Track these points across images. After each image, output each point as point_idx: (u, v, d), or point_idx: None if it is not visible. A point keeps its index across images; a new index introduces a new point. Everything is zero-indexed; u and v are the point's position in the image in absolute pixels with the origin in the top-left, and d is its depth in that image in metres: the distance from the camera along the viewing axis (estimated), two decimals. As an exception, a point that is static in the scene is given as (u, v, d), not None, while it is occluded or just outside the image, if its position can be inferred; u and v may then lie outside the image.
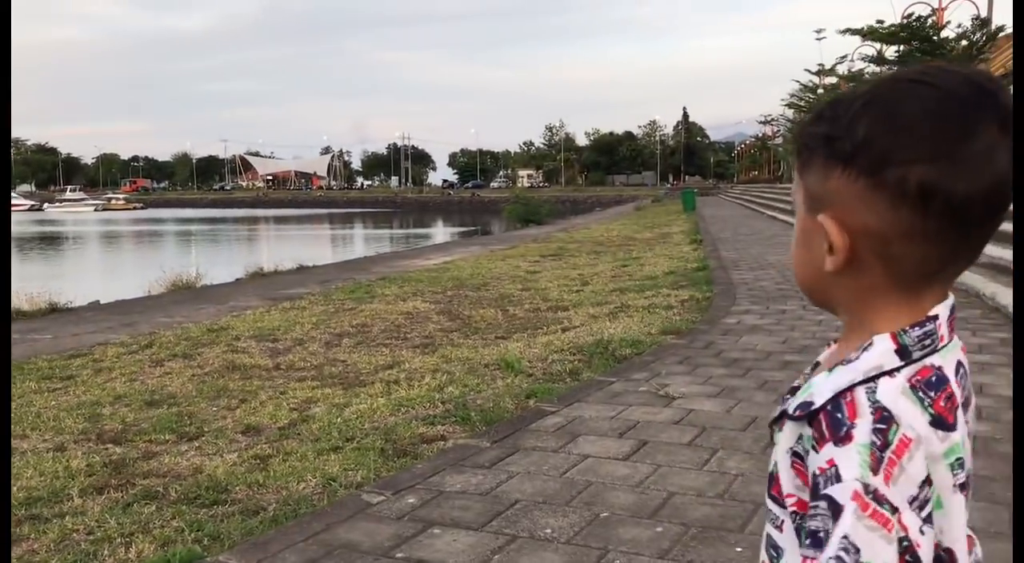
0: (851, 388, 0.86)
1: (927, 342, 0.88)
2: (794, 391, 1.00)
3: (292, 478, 4.00)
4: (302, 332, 8.21)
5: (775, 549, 0.98)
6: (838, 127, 0.87)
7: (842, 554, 0.80)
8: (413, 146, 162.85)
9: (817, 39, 49.92)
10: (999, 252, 9.98)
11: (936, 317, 0.89)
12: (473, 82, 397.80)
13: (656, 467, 3.84)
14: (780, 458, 0.93)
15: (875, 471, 0.81)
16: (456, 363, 6.45)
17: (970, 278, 9.24)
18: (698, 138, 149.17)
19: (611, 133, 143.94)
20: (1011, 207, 0.91)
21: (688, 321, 8.06)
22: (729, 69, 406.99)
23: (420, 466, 3.98)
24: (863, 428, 0.83)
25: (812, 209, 0.90)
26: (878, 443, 0.82)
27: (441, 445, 4.38)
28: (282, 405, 5.43)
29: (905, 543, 0.82)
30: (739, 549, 2.96)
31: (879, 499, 0.81)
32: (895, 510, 0.82)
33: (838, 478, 0.82)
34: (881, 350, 0.88)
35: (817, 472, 0.84)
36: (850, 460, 0.82)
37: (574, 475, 3.76)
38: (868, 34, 27.28)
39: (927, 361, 0.87)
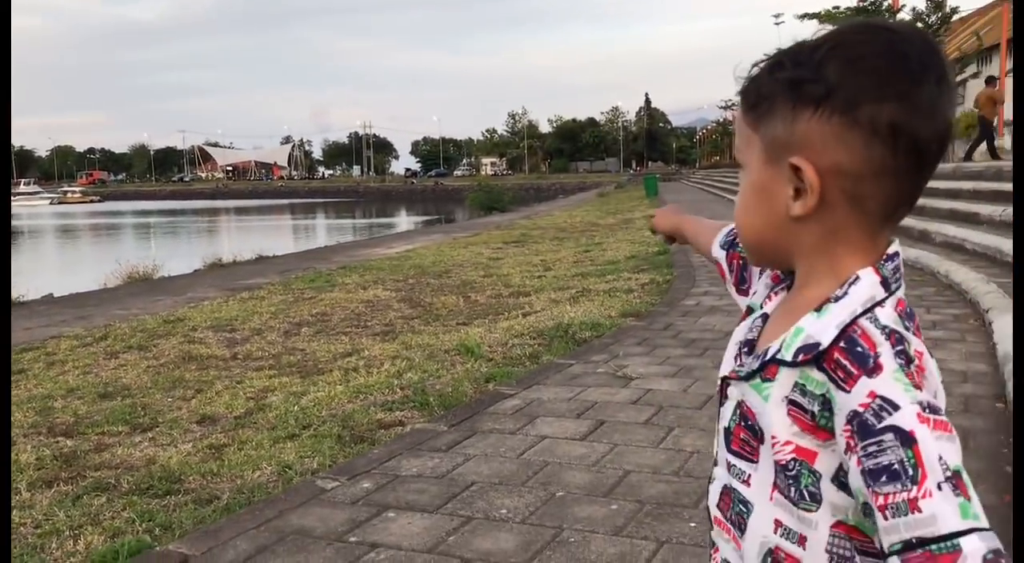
0: (854, 321, 0.88)
1: (897, 276, 0.93)
2: (750, 345, 1.02)
3: (247, 466, 3.96)
4: (260, 322, 8.12)
5: (744, 504, 0.98)
6: (805, 71, 0.89)
7: (945, 472, 0.81)
8: (375, 135, 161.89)
9: (776, 24, 50.62)
10: (953, 231, 10.14)
11: (898, 254, 0.94)
12: (435, 69, 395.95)
13: (613, 446, 3.84)
14: (772, 408, 0.93)
15: (919, 387, 0.84)
16: (416, 349, 6.42)
17: (925, 257, 9.39)
18: (660, 124, 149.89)
19: (574, 120, 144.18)
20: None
21: (648, 304, 8.09)
22: (690, 54, 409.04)
23: (376, 451, 3.95)
24: (887, 354, 0.85)
25: (775, 158, 0.92)
26: (904, 363, 0.85)
27: (399, 430, 4.35)
28: (238, 394, 5.36)
29: None
30: (693, 524, 2.97)
31: (934, 409, 0.84)
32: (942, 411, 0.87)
33: (894, 406, 0.83)
34: (870, 282, 0.91)
35: (859, 409, 0.84)
36: (894, 387, 0.84)
37: (531, 456, 3.75)
38: (825, 18, 27.53)
39: (898, 294, 0.92)
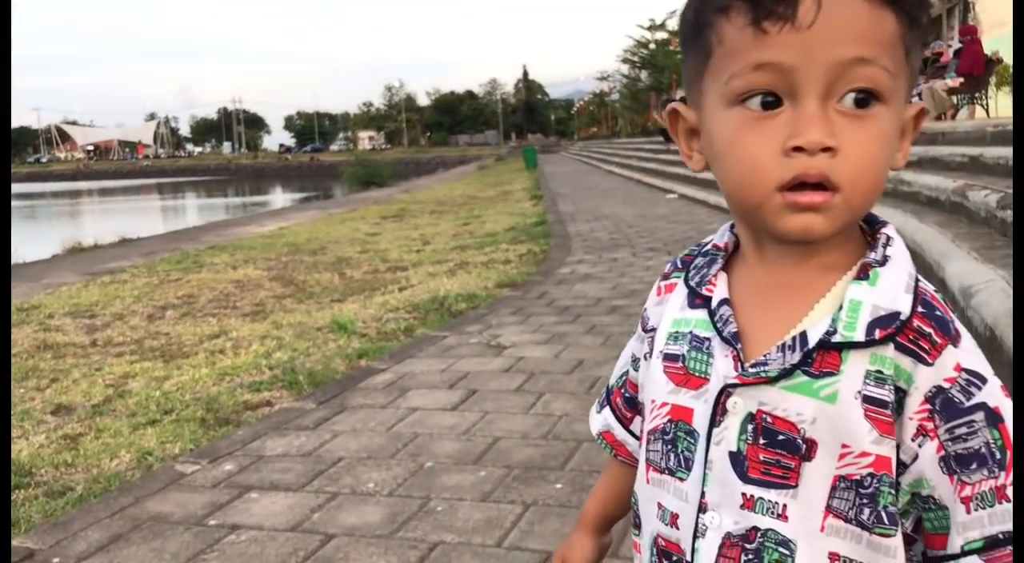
0: (918, 285, 0.76)
1: None
2: (735, 339, 0.80)
3: (104, 455, 3.78)
4: (122, 306, 7.77)
5: (783, 546, 0.76)
6: None
7: None
8: (245, 110, 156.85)
9: (648, -5, 51.62)
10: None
11: None
12: (306, 41, 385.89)
13: (483, 414, 3.85)
14: (843, 410, 0.74)
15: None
16: (287, 328, 6.26)
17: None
18: (538, 96, 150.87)
19: (452, 92, 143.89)
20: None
21: (524, 274, 8.15)
22: (566, 25, 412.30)
23: (240, 432, 3.84)
24: (957, 321, 0.75)
25: (908, 94, 0.76)
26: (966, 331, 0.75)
27: (266, 411, 4.24)
28: (97, 382, 5.12)
29: None
30: (559, 486, 3.01)
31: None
32: None
33: (982, 380, 0.72)
34: (901, 242, 0.79)
35: (945, 384, 0.71)
36: (978, 357, 0.73)
37: (401, 429, 3.72)
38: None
39: None
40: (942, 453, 0.72)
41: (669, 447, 0.84)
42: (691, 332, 0.84)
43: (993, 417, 0.71)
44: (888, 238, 0.77)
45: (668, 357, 0.85)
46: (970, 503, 0.71)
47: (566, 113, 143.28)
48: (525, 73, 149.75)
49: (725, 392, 0.79)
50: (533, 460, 3.26)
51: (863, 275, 0.75)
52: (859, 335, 0.73)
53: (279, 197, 46.10)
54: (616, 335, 5.25)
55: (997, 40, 16.60)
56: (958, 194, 6.90)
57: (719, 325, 0.81)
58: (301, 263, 10.12)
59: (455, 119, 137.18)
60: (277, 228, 15.29)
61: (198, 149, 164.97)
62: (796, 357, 0.75)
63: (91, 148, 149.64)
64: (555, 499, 2.90)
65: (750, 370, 0.77)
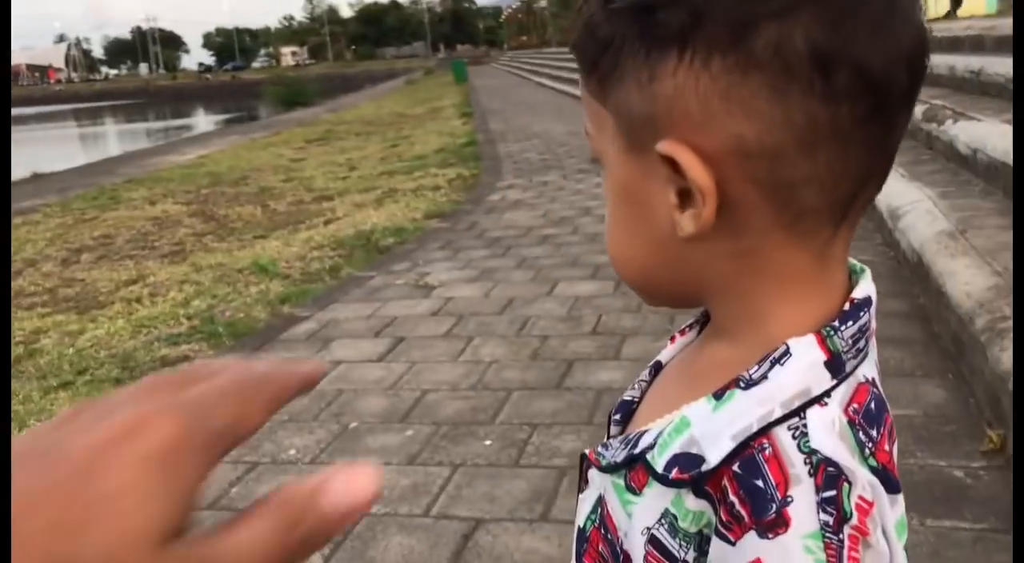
0: (765, 433, 0.52)
1: (861, 344, 0.55)
2: (628, 408, 0.67)
3: (12, 426, 3.59)
4: (35, 250, 7.41)
5: None
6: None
7: None
8: (161, 28, 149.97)
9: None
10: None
11: (869, 301, 0.56)
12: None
13: (411, 364, 3.74)
14: (634, 540, 0.58)
15: None
16: (206, 271, 6.02)
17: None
18: (465, 4, 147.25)
19: (376, 3, 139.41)
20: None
21: (454, 202, 7.97)
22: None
23: (156, 396, 3.67)
24: (804, 502, 0.50)
25: (638, 144, 0.54)
26: (831, 523, 0.49)
27: (183, 367, 4.06)
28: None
29: None
30: (488, 442, 2.93)
31: None
32: None
33: None
34: (807, 363, 0.53)
35: None
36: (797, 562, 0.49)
37: (324, 385, 3.58)
38: None
39: (859, 374, 0.55)
40: None
41: None
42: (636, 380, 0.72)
43: None
44: (786, 352, 0.54)
45: None
46: None
47: (495, 22, 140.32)
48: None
49: (586, 461, 0.65)
50: (462, 414, 3.17)
51: (721, 392, 0.55)
52: (660, 464, 0.56)
53: (202, 120, 44.49)
54: (546, 269, 5.15)
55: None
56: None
57: (633, 388, 0.69)
58: (222, 195, 9.76)
59: (381, 31, 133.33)
60: (197, 157, 14.73)
61: (113, 72, 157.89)
62: (621, 456, 0.60)
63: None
64: (484, 457, 2.82)
65: (599, 451, 0.63)
